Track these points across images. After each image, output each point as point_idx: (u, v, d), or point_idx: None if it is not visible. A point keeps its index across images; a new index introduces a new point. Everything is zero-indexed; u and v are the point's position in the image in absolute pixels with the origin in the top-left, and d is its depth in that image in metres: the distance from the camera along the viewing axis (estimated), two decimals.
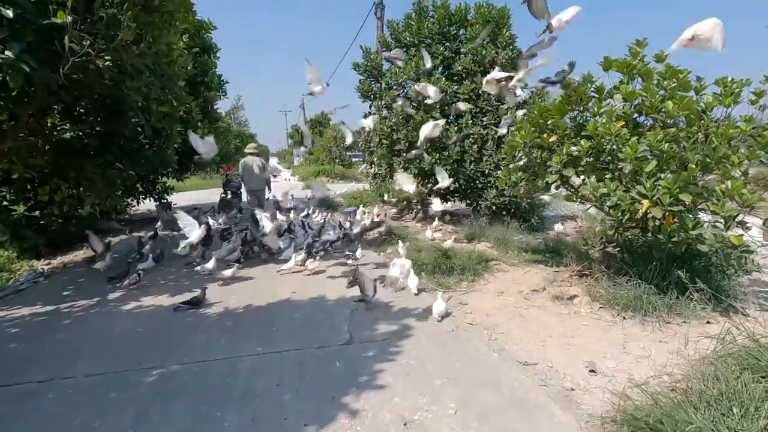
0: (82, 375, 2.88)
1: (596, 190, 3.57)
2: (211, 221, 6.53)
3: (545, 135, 4.00)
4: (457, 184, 7.59)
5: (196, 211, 9.01)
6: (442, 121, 5.89)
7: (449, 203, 9.26)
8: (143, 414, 2.46)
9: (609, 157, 3.72)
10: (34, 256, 6.64)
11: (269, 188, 8.11)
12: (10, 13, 3.32)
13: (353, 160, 26.57)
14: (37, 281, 5.38)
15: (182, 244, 5.13)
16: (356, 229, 6.67)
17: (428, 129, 5.02)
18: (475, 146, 7.45)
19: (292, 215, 7.63)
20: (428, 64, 6.20)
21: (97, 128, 5.72)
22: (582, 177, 3.97)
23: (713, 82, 3.63)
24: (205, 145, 4.74)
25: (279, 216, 6.49)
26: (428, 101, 6.08)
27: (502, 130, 5.79)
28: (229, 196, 10.33)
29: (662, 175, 3.34)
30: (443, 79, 7.55)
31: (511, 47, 7.69)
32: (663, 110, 3.48)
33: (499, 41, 7.68)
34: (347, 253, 5.84)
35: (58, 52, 3.66)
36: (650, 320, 3.45)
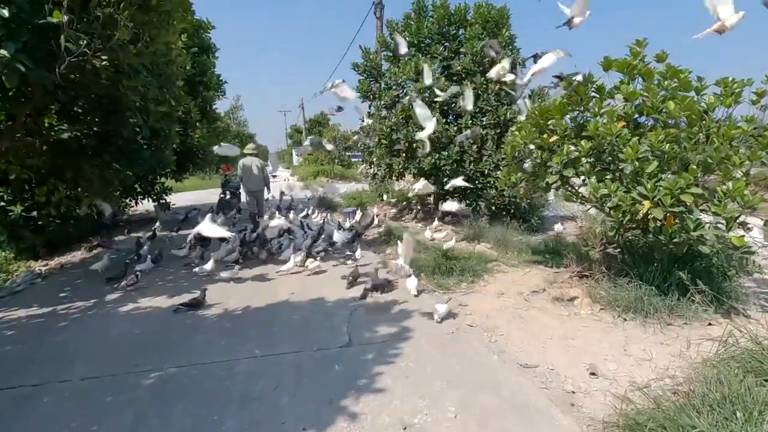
0: (78, 378, 2.85)
1: (597, 191, 3.54)
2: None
3: (545, 135, 3.98)
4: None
5: (195, 212, 9.01)
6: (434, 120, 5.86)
7: (447, 203, 9.24)
8: (141, 418, 2.44)
9: (609, 158, 3.70)
10: (32, 256, 6.62)
11: (268, 189, 8.08)
12: (5, 12, 3.29)
13: (353, 160, 26.52)
14: (34, 282, 5.35)
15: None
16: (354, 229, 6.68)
17: (432, 126, 4.97)
18: (474, 146, 7.43)
19: (291, 215, 7.62)
20: (428, 81, 6.11)
21: (95, 128, 5.68)
22: (582, 178, 3.94)
23: (714, 82, 3.61)
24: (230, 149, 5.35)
25: (278, 217, 6.50)
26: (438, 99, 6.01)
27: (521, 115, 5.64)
28: (228, 197, 10.30)
29: (663, 176, 3.32)
30: (442, 79, 7.52)
31: (510, 47, 7.67)
32: (664, 110, 3.45)
33: (499, 41, 7.64)
34: (348, 253, 5.82)
35: (54, 52, 3.63)
36: (651, 322, 3.42)
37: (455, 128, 7.34)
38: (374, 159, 8.75)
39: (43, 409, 2.54)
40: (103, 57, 4.01)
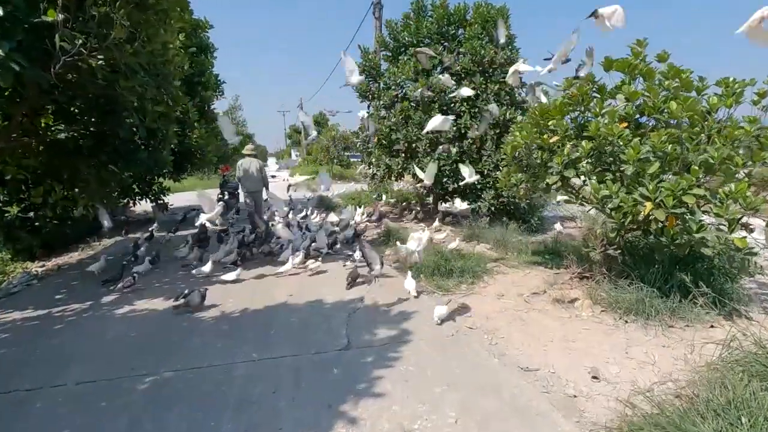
0: (72, 383, 2.80)
1: (597, 192, 3.51)
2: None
3: (546, 136, 3.95)
4: (456, 185, 7.53)
5: (193, 212, 8.96)
6: (451, 117, 5.83)
7: (447, 203, 9.21)
8: (136, 422, 2.40)
9: (610, 159, 3.67)
10: (29, 257, 6.57)
11: (267, 189, 8.03)
12: (0, 11, 3.25)
13: (351, 160, 26.48)
14: (30, 284, 5.31)
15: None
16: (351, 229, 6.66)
17: (438, 121, 4.92)
18: (474, 146, 7.40)
19: (290, 216, 7.58)
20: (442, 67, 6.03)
21: (92, 128, 5.64)
22: (583, 178, 3.91)
23: (715, 82, 3.58)
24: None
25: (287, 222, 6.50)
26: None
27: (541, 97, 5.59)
28: (226, 197, 10.26)
29: (664, 177, 3.29)
30: (441, 79, 7.48)
31: (510, 47, 7.64)
32: (666, 111, 3.42)
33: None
34: (348, 253, 5.79)
35: (49, 51, 3.59)
36: (653, 324, 3.39)
37: (454, 128, 7.30)
38: (373, 159, 8.72)
39: (36, 415, 2.50)
40: (99, 56, 3.96)
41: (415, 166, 5.70)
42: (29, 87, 4.16)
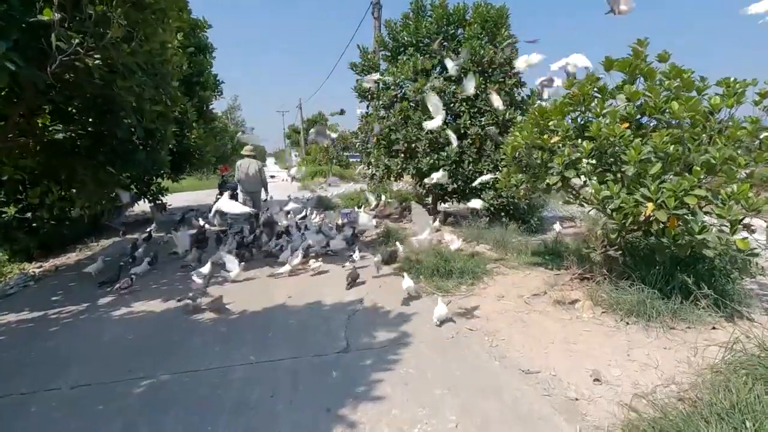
0: (67, 386, 2.77)
1: (599, 193, 3.48)
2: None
3: (546, 136, 3.92)
4: (455, 185, 7.51)
5: (192, 213, 8.92)
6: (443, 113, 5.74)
7: (446, 204, 9.18)
8: (131, 427, 2.37)
9: (611, 159, 3.64)
10: (26, 258, 6.53)
11: (266, 190, 8.02)
12: None
13: (350, 160, 26.45)
14: (27, 285, 5.27)
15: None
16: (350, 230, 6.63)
17: (440, 119, 4.86)
18: (473, 146, 7.37)
19: (289, 217, 7.55)
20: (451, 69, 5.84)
21: (89, 129, 5.61)
22: (583, 179, 3.89)
23: (715, 82, 3.55)
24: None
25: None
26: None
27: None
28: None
29: (666, 178, 3.26)
30: (441, 79, 7.46)
31: (509, 47, 7.61)
32: (667, 111, 3.39)
33: (498, 41, 7.61)
34: (348, 254, 5.76)
35: (45, 51, 3.55)
36: (654, 326, 3.36)
37: (454, 128, 7.27)
38: (372, 160, 8.69)
39: (31, 419, 2.46)
40: (96, 56, 3.93)
41: (441, 172, 5.61)
42: (25, 87, 4.12)
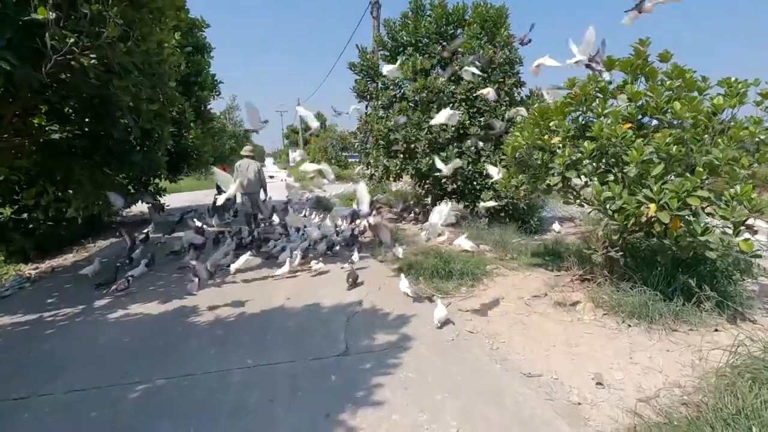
0: (62, 391, 2.72)
1: (600, 194, 3.45)
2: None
3: (547, 136, 3.89)
4: (455, 185, 7.47)
5: (190, 213, 8.87)
6: (459, 112, 5.62)
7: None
8: None
9: (613, 160, 3.61)
10: (22, 259, 6.46)
11: (265, 191, 7.98)
12: None
13: (349, 161, 26.41)
14: (22, 286, 5.21)
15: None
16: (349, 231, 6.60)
17: (446, 115, 4.77)
18: (472, 147, 7.34)
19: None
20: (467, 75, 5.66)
21: (86, 129, 5.56)
22: (584, 179, 3.86)
23: (717, 82, 3.53)
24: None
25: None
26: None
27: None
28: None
29: (667, 178, 3.23)
30: (440, 79, 7.43)
31: (509, 47, 7.58)
32: (669, 111, 3.36)
33: (497, 41, 7.58)
34: (347, 254, 5.73)
35: (40, 50, 3.51)
36: (656, 328, 3.34)
37: (453, 128, 7.25)
38: (371, 160, 8.65)
39: (23, 426, 2.42)
40: (92, 55, 3.88)
41: (436, 158, 5.38)
42: (20, 86, 4.08)
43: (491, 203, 5.41)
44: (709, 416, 2.04)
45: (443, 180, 7.57)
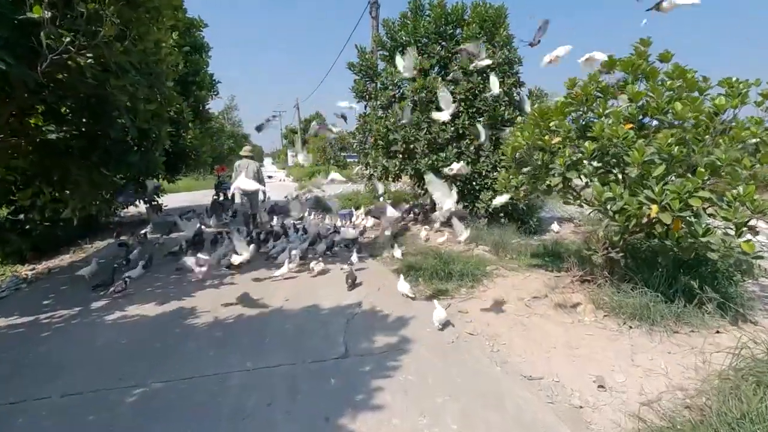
0: (58, 394, 2.68)
1: (601, 195, 3.43)
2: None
3: (547, 137, 3.86)
4: (454, 186, 7.43)
5: (189, 214, 8.82)
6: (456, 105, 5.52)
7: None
8: None
9: (614, 160, 3.59)
10: (18, 260, 6.41)
11: (263, 191, 7.94)
12: None
13: (348, 161, 26.38)
14: (18, 288, 5.17)
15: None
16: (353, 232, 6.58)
17: (447, 104, 4.71)
18: (472, 147, 7.31)
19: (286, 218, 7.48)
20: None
21: (83, 129, 5.51)
22: (585, 180, 3.83)
23: (717, 82, 3.51)
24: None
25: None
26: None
27: None
28: (221, 199, 10.12)
29: (669, 179, 3.21)
30: (439, 79, 7.40)
31: (508, 47, 7.56)
32: (670, 112, 3.34)
33: (496, 40, 7.55)
34: (347, 254, 5.70)
35: (36, 49, 3.46)
36: (657, 330, 3.32)
37: (452, 128, 7.22)
38: (370, 160, 8.62)
39: (19, 430, 2.38)
40: (88, 55, 3.84)
41: (461, 162, 5.19)
42: (16, 86, 4.03)
43: (505, 197, 5.09)
44: (713, 420, 2.02)
45: (442, 181, 7.52)
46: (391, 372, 2.87)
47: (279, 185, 19.73)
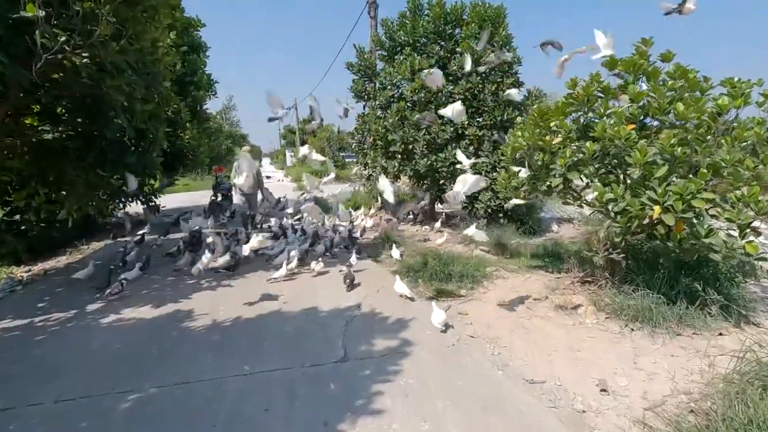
0: (51, 401, 2.63)
1: (602, 196, 3.39)
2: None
3: (548, 137, 3.83)
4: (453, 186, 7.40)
5: (187, 214, 8.77)
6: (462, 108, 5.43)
7: (442, 205, 9.08)
8: None
9: (615, 161, 3.56)
10: (14, 262, 6.35)
11: (262, 192, 7.91)
12: None
13: (347, 161, 26.33)
14: (14, 290, 5.11)
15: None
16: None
17: (457, 110, 4.65)
18: (471, 147, 7.28)
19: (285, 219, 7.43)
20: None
21: (79, 129, 5.46)
22: (586, 180, 3.80)
23: (719, 82, 3.48)
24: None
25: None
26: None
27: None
28: (219, 199, 10.06)
29: (671, 180, 3.18)
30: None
31: (507, 47, 7.53)
32: (673, 112, 3.31)
33: (495, 40, 7.51)
34: (347, 255, 5.67)
35: (30, 48, 3.42)
36: (660, 332, 3.28)
37: (452, 129, 7.19)
38: (368, 161, 8.58)
39: None
40: (84, 54, 3.80)
41: (458, 151, 4.98)
42: (10, 85, 3.98)
43: (519, 201, 4.99)
44: (719, 426, 1.99)
45: (441, 181, 7.51)
46: (391, 376, 2.83)
47: (277, 185, 19.65)
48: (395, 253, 5.46)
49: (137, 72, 4.69)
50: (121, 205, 8.89)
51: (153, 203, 9.46)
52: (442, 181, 7.47)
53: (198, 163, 11.36)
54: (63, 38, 3.47)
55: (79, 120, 5.35)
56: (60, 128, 5.44)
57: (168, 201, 11.58)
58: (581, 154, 3.60)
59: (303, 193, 9.99)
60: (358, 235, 6.76)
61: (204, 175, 21.73)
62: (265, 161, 52.23)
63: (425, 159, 7.24)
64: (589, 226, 6.94)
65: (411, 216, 8.76)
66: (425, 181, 8.05)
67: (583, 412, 2.44)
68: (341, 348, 3.25)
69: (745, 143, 3.18)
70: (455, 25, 7.95)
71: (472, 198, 7.45)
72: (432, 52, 7.69)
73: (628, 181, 3.52)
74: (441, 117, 4.79)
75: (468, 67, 5.06)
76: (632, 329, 3.39)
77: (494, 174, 6.40)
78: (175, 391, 2.71)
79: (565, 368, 2.92)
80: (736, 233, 2.97)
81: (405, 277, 4.75)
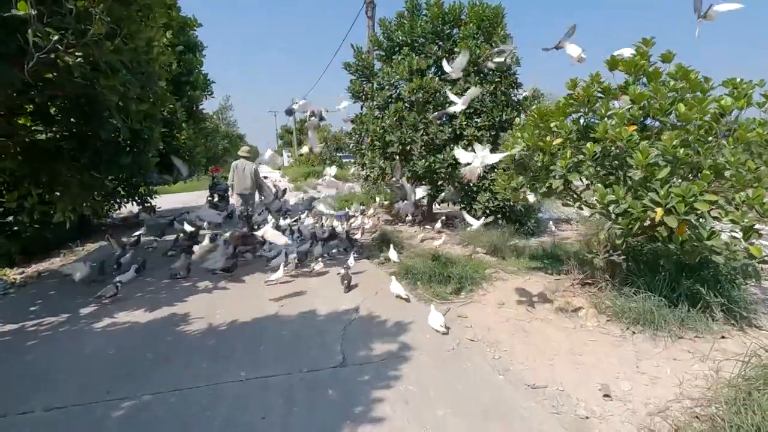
0: (41, 409, 2.56)
1: (603, 197, 3.35)
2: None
3: (548, 138, 3.79)
4: (453, 186, 7.37)
5: (185, 215, 8.69)
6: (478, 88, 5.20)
7: (440, 205, 9.06)
8: None
9: (616, 162, 3.52)
10: (7, 264, 6.26)
11: (260, 192, 7.84)
12: None
13: (344, 161, 26.28)
14: (6, 292, 5.03)
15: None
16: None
17: (472, 94, 4.57)
18: (469, 148, 7.23)
19: (281, 220, 7.37)
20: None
21: (73, 130, 5.38)
22: (586, 182, 3.76)
23: (721, 83, 3.45)
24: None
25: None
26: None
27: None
28: (216, 199, 9.99)
29: (672, 181, 3.15)
30: (436, 78, 7.33)
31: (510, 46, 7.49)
32: (674, 113, 3.28)
33: (494, 40, 7.48)
34: (345, 257, 5.63)
35: (22, 48, 3.35)
36: (662, 335, 3.25)
37: (450, 129, 7.15)
38: (366, 161, 8.53)
39: None
40: (77, 53, 3.73)
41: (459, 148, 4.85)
42: (2, 85, 3.90)
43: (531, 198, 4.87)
44: None
45: (439, 182, 7.47)
46: (391, 381, 2.78)
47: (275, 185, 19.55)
48: (393, 254, 5.42)
49: (132, 71, 4.63)
50: (116, 206, 8.82)
51: (148, 204, 9.39)
52: (440, 182, 7.43)
53: (194, 163, 11.27)
54: (56, 37, 3.40)
55: (73, 120, 5.28)
56: (54, 128, 5.37)
57: (164, 202, 11.51)
58: (582, 156, 3.56)
59: (303, 194, 9.95)
60: (357, 236, 6.71)
61: (200, 175, 21.62)
62: (266, 169, 52.04)
63: (423, 160, 7.19)
64: (588, 227, 6.91)
65: (409, 217, 8.71)
66: (423, 182, 8.01)
67: (587, 418, 2.40)
68: (339, 353, 3.19)
69: (748, 144, 3.15)
70: (453, 25, 7.91)
71: (470, 199, 7.42)
72: (430, 52, 7.65)
73: (630, 183, 3.48)
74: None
75: (463, 64, 4.93)
76: (634, 332, 3.36)
77: (493, 174, 6.37)
78: (169, 398, 2.65)
79: (567, 372, 2.89)
80: (738, 235, 2.94)
81: (403, 279, 4.71)
